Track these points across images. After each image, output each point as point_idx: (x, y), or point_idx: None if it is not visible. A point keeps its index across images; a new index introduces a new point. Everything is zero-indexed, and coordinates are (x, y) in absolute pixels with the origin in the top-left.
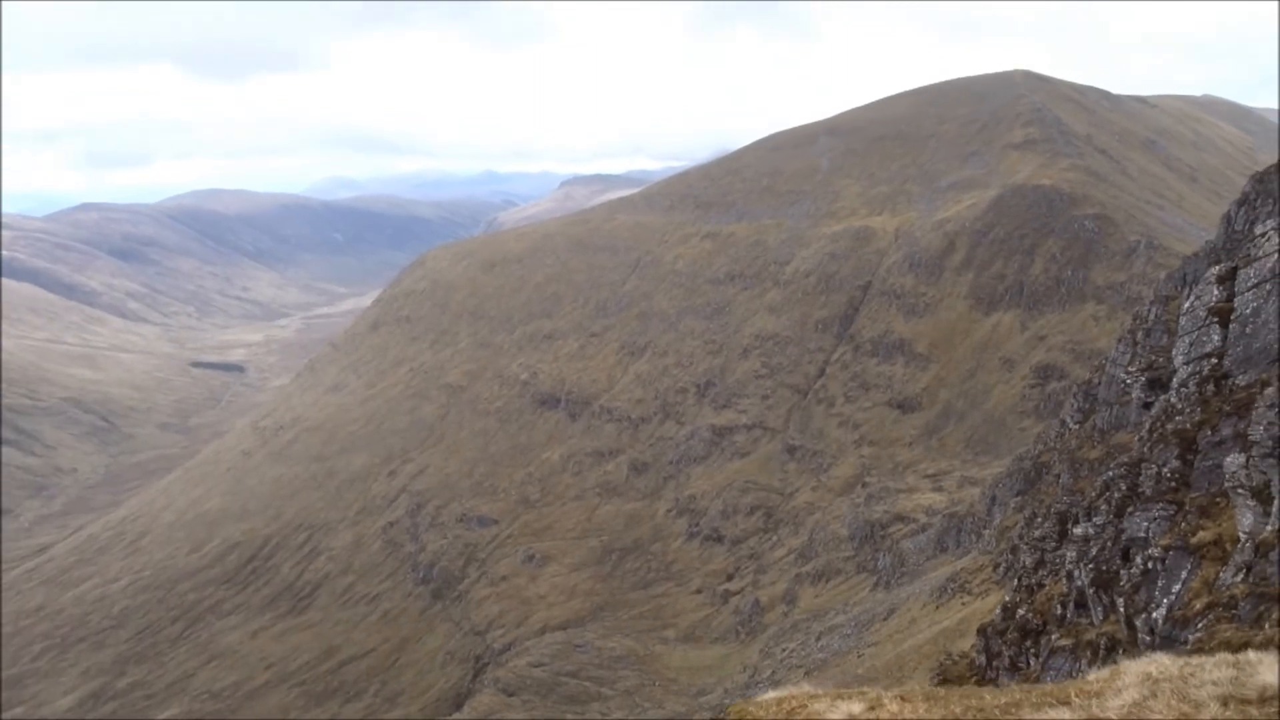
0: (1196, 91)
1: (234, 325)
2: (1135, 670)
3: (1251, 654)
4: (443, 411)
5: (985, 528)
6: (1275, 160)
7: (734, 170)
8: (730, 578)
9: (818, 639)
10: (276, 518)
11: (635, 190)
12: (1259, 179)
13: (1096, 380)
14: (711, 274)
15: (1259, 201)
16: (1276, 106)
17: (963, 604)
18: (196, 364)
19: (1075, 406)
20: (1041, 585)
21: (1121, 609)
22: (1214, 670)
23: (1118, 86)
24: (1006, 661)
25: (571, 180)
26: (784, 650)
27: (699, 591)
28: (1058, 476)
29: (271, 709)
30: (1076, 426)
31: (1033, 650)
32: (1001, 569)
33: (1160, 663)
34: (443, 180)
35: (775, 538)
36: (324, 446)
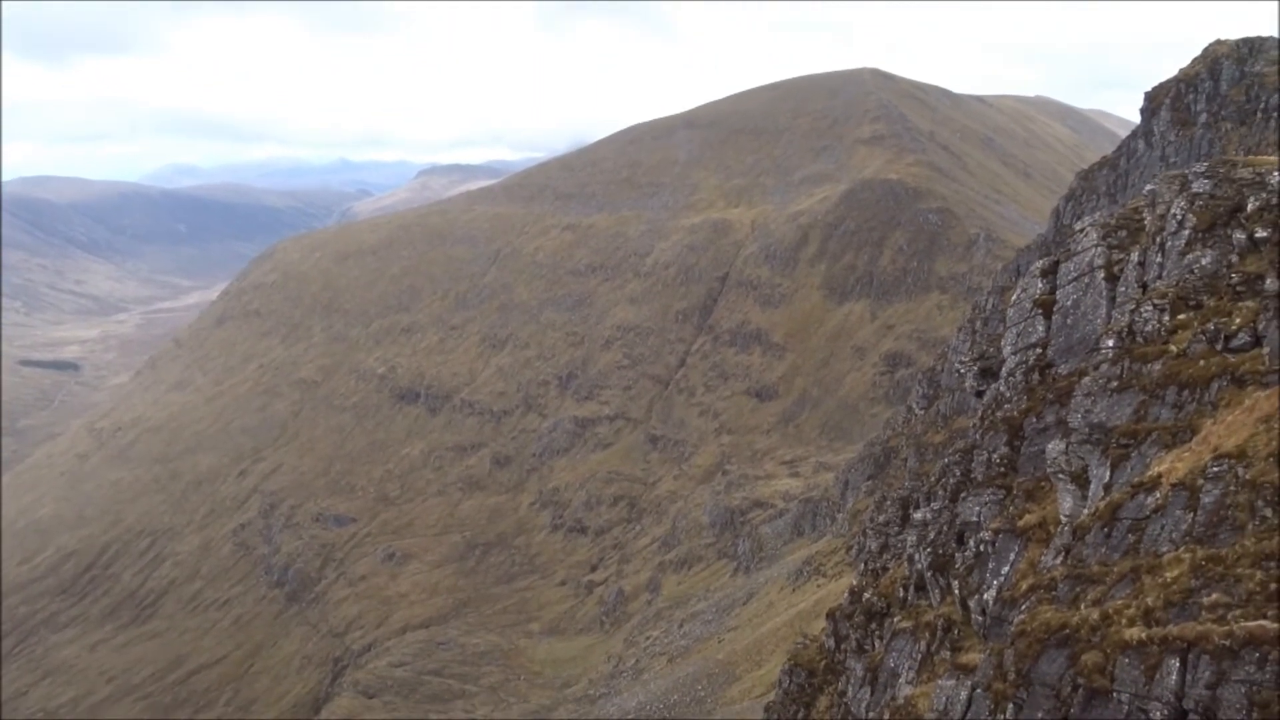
0: (1029, 92)
1: (67, 321)
2: None
3: None
4: (296, 408)
5: (839, 512)
6: (1099, 158)
7: (593, 162)
8: (594, 568)
9: (680, 626)
10: (116, 523)
11: (494, 181)
12: (1084, 176)
13: (939, 368)
14: (572, 265)
15: (1084, 197)
16: (1102, 108)
17: (818, 586)
18: (25, 362)
19: (920, 393)
20: (886, 569)
21: (957, 591)
22: None
23: (957, 86)
24: (854, 644)
25: (429, 170)
26: (648, 639)
27: (563, 583)
28: (905, 460)
29: None
30: (922, 412)
31: (877, 633)
32: (854, 552)
33: None
34: (294, 169)
35: (638, 527)
36: (168, 447)
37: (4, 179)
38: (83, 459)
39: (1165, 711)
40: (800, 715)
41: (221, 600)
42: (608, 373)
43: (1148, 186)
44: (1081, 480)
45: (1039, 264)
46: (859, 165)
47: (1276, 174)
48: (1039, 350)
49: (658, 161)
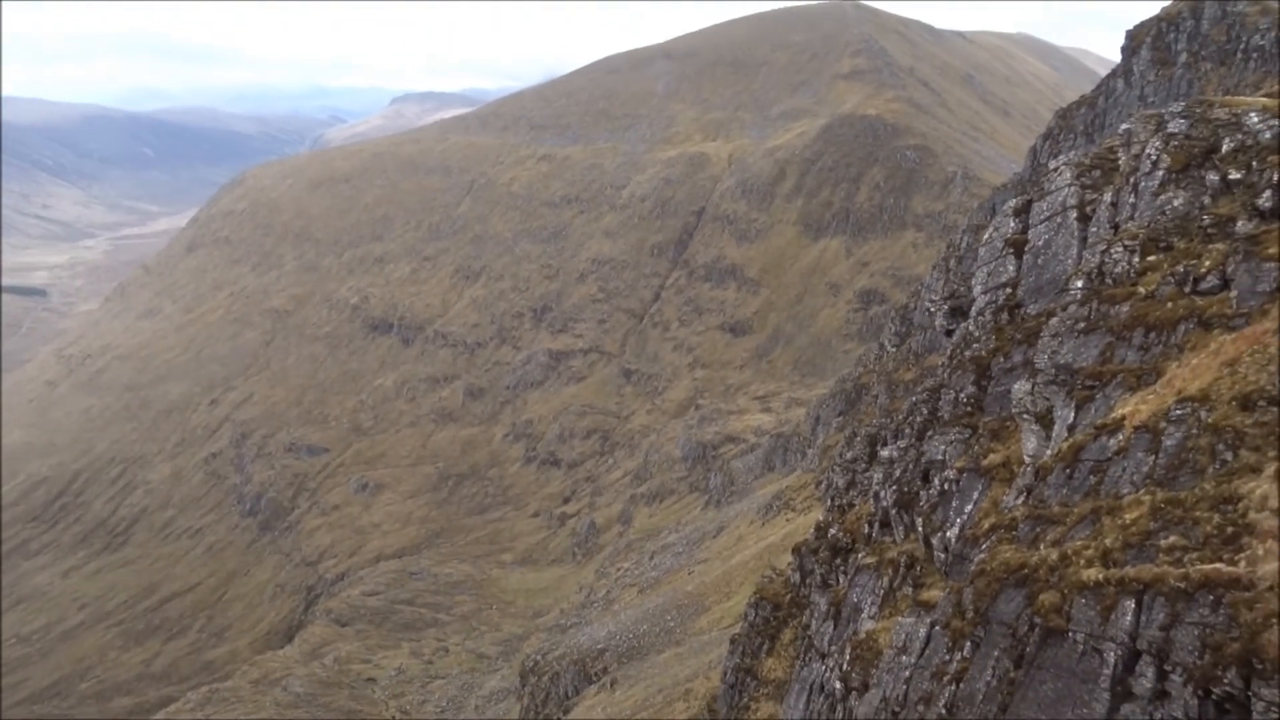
0: (1012, 28)
1: (34, 246)
2: None
3: None
4: (267, 338)
5: (809, 447)
6: (1078, 97)
7: (569, 93)
8: (567, 500)
9: (651, 558)
10: (87, 451)
11: (469, 110)
12: (1062, 115)
13: (913, 305)
14: (548, 197)
15: (1062, 136)
16: (1084, 46)
17: (787, 520)
18: None
19: (893, 330)
20: (852, 505)
21: (920, 529)
22: None
23: (940, 20)
24: (818, 579)
25: (403, 98)
26: (619, 570)
27: (536, 515)
28: (876, 397)
29: (87, 650)
30: (894, 349)
31: (842, 568)
32: (823, 487)
33: None
34: (265, 94)
35: (611, 460)
36: (138, 375)
37: None
38: (52, 386)
39: (1119, 652)
40: (765, 648)
41: (194, 529)
42: (582, 306)
43: (1123, 126)
44: (1046, 421)
45: (1012, 203)
46: (838, 100)
47: (1253, 115)
48: (1009, 290)
49: (634, 93)
